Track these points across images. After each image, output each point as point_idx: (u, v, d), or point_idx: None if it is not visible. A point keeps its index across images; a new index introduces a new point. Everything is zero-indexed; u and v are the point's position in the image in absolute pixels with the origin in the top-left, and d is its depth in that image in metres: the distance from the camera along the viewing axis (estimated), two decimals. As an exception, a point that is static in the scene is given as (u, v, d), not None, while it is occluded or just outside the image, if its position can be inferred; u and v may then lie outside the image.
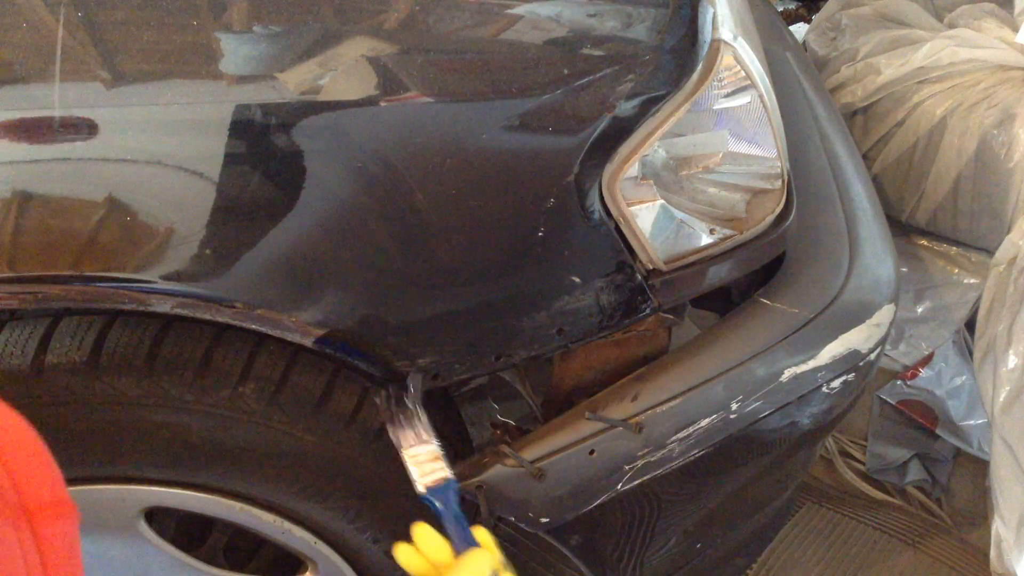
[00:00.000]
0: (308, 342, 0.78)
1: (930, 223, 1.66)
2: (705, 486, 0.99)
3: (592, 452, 0.86)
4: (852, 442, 1.80)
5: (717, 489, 1.01)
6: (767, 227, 0.90)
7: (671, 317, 0.93)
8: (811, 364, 0.92)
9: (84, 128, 0.67)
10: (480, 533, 0.68)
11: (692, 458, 0.91)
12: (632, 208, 0.81)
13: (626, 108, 0.76)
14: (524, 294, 0.81)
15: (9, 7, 0.67)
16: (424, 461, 0.73)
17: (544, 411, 0.98)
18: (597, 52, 0.74)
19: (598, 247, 0.81)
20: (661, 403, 0.87)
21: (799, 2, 2.50)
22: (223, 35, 0.69)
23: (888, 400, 1.79)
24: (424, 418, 0.76)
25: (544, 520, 0.89)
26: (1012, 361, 1.31)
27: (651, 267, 0.84)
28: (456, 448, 0.97)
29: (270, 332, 0.77)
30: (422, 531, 0.65)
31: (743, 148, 0.89)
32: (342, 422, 0.85)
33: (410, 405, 0.75)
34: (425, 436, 0.74)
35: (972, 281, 1.61)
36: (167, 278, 0.72)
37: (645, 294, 0.85)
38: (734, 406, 0.89)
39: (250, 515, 0.90)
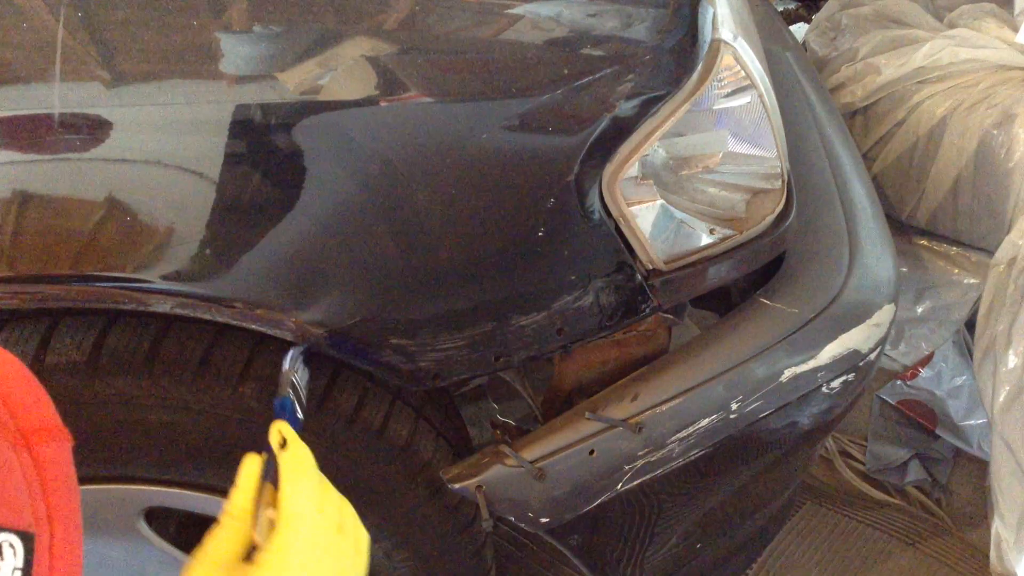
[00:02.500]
0: (308, 341, 0.78)
1: (930, 223, 1.66)
2: (705, 486, 0.99)
3: (592, 452, 0.86)
4: (852, 442, 1.80)
5: (717, 489, 1.01)
6: (767, 227, 0.90)
7: (671, 317, 0.93)
8: (811, 364, 0.92)
9: (84, 128, 0.67)
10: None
11: (692, 458, 0.91)
12: (632, 208, 0.81)
13: (626, 108, 0.76)
14: (524, 294, 0.81)
15: (9, 7, 0.67)
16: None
17: (544, 411, 0.98)
18: (597, 52, 0.74)
19: (598, 247, 0.81)
20: (661, 403, 0.87)
21: (799, 2, 2.50)
22: (223, 35, 0.69)
23: (888, 400, 1.79)
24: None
25: (544, 520, 0.89)
26: (1012, 361, 1.31)
27: (651, 267, 0.84)
28: (456, 448, 0.97)
29: (270, 332, 0.77)
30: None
31: (743, 148, 0.89)
32: (342, 422, 0.85)
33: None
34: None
35: (972, 281, 1.61)
36: (167, 278, 0.72)
37: (645, 294, 0.85)
38: (734, 406, 0.89)
39: (250, 515, 0.90)
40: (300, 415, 0.69)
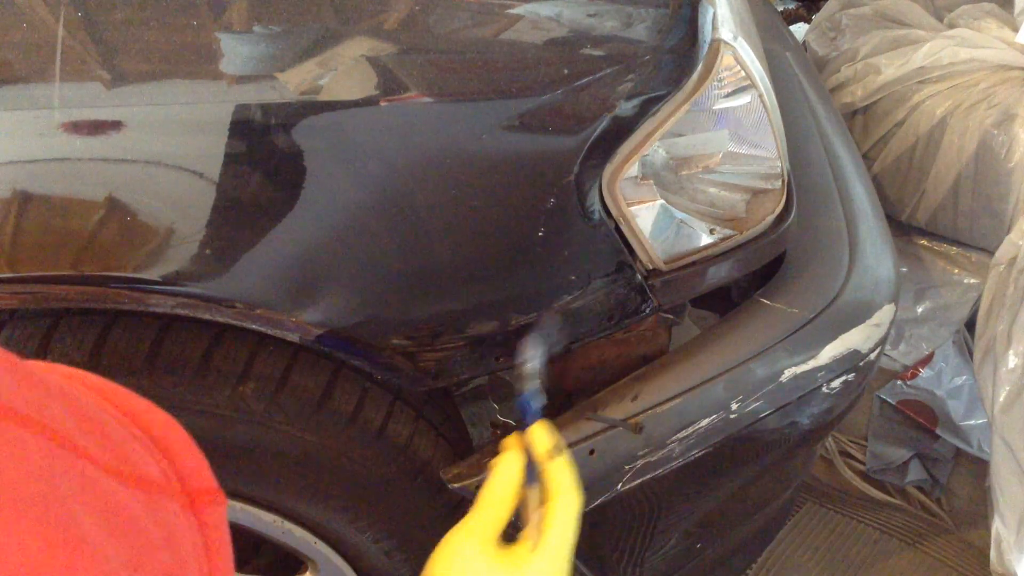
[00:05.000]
0: (308, 341, 0.78)
1: (930, 223, 1.66)
2: (705, 486, 0.99)
3: (592, 452, 0.86)
4: (852, 442, 1.80)
5: (717, 489, 1.01)
6: (767, 227, 0.90)
7: (671, 317, 0.93)
8: (811, 364, 0.92)
9: (84, 128, 0.67)
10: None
11: (692, 458, 0.91)
12: (632, 208, 0.81)
13: (626, 108, 0.76)
14: (524, 294, 0.81)
15: (9, 7, 0.67)
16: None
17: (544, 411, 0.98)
18: (597, 52, 0.74)
19: (598, 247, 0.81)
20: (661, 403, 0.87)
21: (799, 2, 2.50)
22: (223, 35, 0.69)
23: (888, 400, 1.79)
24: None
25: (544, 520, 0.89)
26: (1012, 361, 1.31)
27: (651, 267, 0.84)
28: (456, 448, 0.97)
29: (270, 332, 0.77)
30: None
31: (743, 148, 0.89)
32: (342, 422, 0.85)
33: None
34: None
35: (972, 281, 1.61)
36: (167, 278, 0.72)
37: (645, 294, 0.85)
38: (734, 406, 0.89)
39: (250, 515, 0.90)
40: (543, 402, 0.67)
